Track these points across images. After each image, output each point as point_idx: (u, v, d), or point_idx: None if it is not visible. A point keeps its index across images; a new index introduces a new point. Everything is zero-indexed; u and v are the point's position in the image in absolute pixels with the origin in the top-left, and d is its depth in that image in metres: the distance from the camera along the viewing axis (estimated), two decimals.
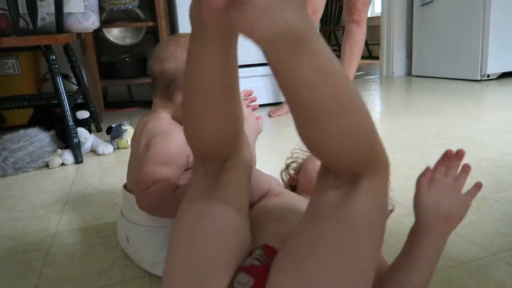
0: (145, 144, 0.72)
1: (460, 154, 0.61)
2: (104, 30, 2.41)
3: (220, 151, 0.53)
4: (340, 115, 0.40)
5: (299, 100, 0.40)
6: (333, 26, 4.87)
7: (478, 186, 0.63)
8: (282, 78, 0.38)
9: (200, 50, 0.45)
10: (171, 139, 0.71)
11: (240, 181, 0.53)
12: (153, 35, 2.59)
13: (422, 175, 0.60)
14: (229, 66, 0.46)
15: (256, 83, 2.31)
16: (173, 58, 0.72)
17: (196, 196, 0.51)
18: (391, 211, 0.85)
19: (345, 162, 0.45)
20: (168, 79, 0.73)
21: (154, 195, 0.67)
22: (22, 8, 1.47)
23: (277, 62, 0.37)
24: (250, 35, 0.35)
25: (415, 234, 0.60)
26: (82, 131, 1.60)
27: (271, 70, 0.39)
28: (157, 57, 0.75)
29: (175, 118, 0.77)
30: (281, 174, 0.96)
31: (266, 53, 0.37)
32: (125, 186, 0.82)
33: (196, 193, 0.52)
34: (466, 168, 0.62)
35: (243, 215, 0.51)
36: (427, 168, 0.60)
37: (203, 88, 0.47)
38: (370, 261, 0.45)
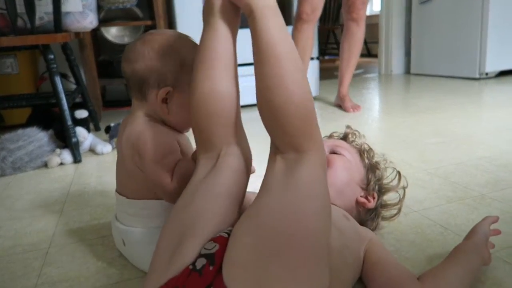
0: (135, 154, 0.71)
1: None
2: (103, 29, 2.41)
3: (219, 129, 0.61)
4: (292, 68, 0.56)
5: (266, 49, 0.56)
6: (331, 24, 4.87)
7: None
8: (259, 32, 0.57)
9: (210, 26, 0.62)
10: (151, 136, 0.70)
11: (230, 168, 0.59)
12: None
13: (494, 217, 0.77)
14: (231, 43, 0.62)
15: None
16: (141, 58, 0.71)
17: (194, 180, 0.60)
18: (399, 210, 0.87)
19: (290, 126, 0.55)
20: (139, 79, 0.72)
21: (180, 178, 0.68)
22: (20, 7, 1.47)
23: (258, 19, 0.57)
24: (244, 4, 0.59)
25: (459, 248, 0.70)
26: (80, 131, 1.60)
27: (251, 30, 0.58)
28: (126, 58, 0.73)
29: (152, 117, 0.74)
30: None
31: (252, 15, 0.58)
32: (116, 190, 0.81)
33: (194, 178, 0.60)
34: None
35: (226, 198, 0.57)
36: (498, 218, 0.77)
37: (211, 56, 0.61)
38: (315, 224, 0.51)
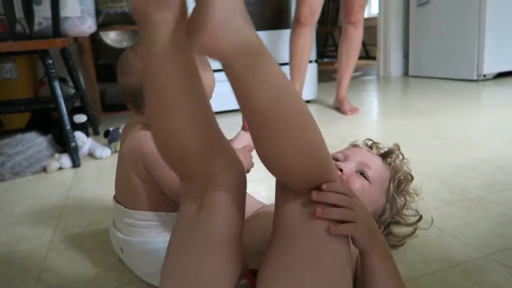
0: (140, 166, 0.71)
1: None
2: (101, 33, 2.41)
3: (198, 164, 0.49)
4: (302, 125, 0.45)
5: (263, 111, 0.42)
6: (330, 27, 4.88)
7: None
8: (249, 90, 0.41)
9: (154, 55, 0.44)
10: (152, 145, 0.69)
11: (221, 204, 0.49)
12: None
13: None
14: (187, 69, 0.46)
15: None
16: (133, 70, 0.70)
17: (183, 220, 0.50)
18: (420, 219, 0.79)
19: (298, 179, 0.48)
20: (133, 92, 0.71)
21: None
22: (19, 13, 1.48)
23: (239, 70, 0.40)
24: (215, 53, 0.38)
25: (368, 257, 0.56)
26: (79, 135, 1.60)
27: (233, 84, 0.42)
28: (120, 71, 0.73)
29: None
30: None
31: (229, 67, 0.40)
32: (115, 197, 0.81)
33: (183, 216, 0.50)
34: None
35: (227, 246, 0.48)
36: None
37: (165, 96, 0.46)
38: (342, 263, 0.48)
